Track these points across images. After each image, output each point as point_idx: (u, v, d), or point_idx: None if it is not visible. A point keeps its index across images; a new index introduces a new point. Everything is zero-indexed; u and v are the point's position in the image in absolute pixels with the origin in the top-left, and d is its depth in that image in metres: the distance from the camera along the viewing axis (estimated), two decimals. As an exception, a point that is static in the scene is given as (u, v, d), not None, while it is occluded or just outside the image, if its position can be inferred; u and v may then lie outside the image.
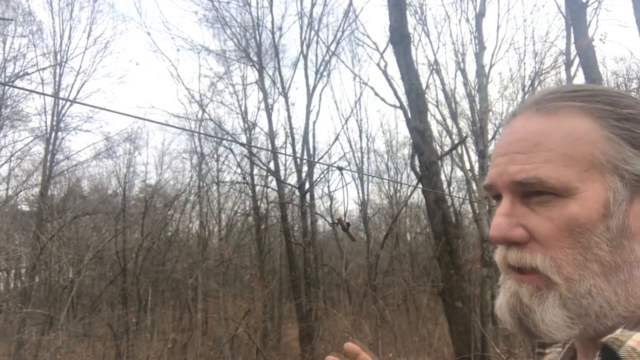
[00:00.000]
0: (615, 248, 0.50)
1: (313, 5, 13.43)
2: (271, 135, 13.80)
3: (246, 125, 15.29)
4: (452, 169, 15.14)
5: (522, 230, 0.53)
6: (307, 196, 13.43)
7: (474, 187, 12.94)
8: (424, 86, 9.64)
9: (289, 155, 14.23)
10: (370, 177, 17.38)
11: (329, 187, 17.15)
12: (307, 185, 13.41)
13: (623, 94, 0.55)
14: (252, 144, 15.14)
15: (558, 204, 0.51)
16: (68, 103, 14.00)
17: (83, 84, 14.32)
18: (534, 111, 0.55)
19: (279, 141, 14.53)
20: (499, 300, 0.56)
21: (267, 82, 14.14)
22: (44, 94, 13.55)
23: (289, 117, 13.67)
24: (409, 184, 14.57)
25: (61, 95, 13.90)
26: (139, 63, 22.08)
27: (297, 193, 13.40)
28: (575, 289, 0.50)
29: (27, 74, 13.10)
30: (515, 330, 0.54)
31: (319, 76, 13.67)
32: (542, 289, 0.52)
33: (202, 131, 15.21)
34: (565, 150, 0.52)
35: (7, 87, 12.88)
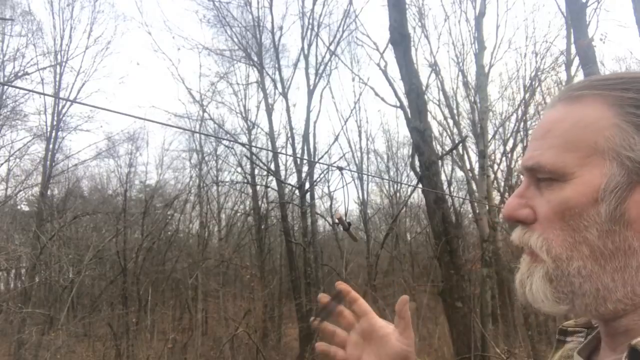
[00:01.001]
0: (605, 233, 0.51)
1: (314, 5, 13.44)
2: (271, 135, 13.81)
3: (247, 125, 15.31)
4: (452, 169, 15.14)
5: (528, 211, 0.57)
6: (307, 196, 13.43)
7: (474, 187, 12.94)
8: (424, 86, 9.64)
9: (289, 155, 14.24)
10: (370, 177, 17.38)
11: (329, 187, 17.15)
12: (307, 185, 13.41)
13: None
14: (253, 144, 15.14)
15: (557, 187, 0.54)
16: (68, 103, 14.00)
17: (83, 84, 14.34)
18: (560, 100, 0.58)
19: (280, 141, 14.54)
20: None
21: (268, 82, 14.16)
22: (42, 94, 13.56)
23: (289, 117, 13.68)
24: (409, 184, 14.58)
25: (61, 94, 13.91)
26: (139, 63, 22.06)
27: (297, 193, 13.40)
28: (563, 267, 0.53)
29: (27, 73, 13.11)
30: (521, 299, 0.58)
31: (319, 76, 13.68)
32: (534, 264, 0.56)
33: (202, 131, 15.22)
34: (570, 136, 0.54)
35: (6, 89, 12.87)
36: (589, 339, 0.62)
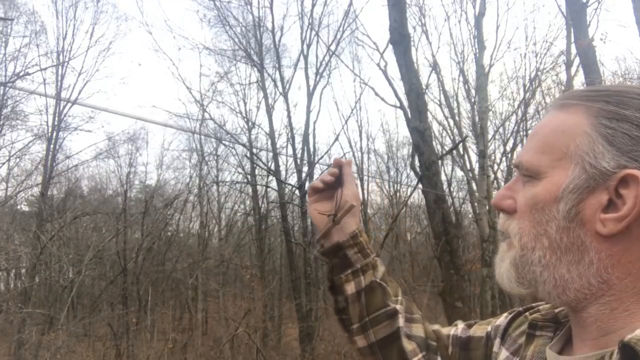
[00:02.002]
0: (561, 229, 0.57)
1: (313, 5, 13.43)
2: (272, 135, 13.80)
3: (247, 125, 15.30)
4: (452, 168, 15.14)
5: (511, 202, 0.63)
6: (307, 196, 13.41)
7: (474, 187, 12.94)
8: (424, 86, 9.64)
9: (289, 156, 14.23)
10: (370, 177, 17.38)
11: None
12: (307, 186, 13.39)
13: None
14: (253, 144, 15.14)
15: (532, 184, 0.60)
16: (69, 103, 14.00)
17: (85, 84, 14.35)
18: (553, 107, 0.64)
19: (280, 141, 14.53)
20: None
21: (268, 82, 14.15)
22: (41, 94, 13.54)
23: (290, 117, 13.67)
24: (409, 184, 14.57)
25: (63, 95, 13.92)
26: (141, 64, 22.01)
27: (297, 193, 13.39)
28: (527, 256, 0.59)
29: (28, 74, 13.09)
30: (496, 280, 0.65)
31: (319, 76, 13.67)
32: (507, 251, 0.63)
33: (202, 131, 15.22)
34: (548, 140, 0.60)
35: (7, 89, 12.87)
36: (560, 334, 0.66)
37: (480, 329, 0.86)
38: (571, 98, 0.61)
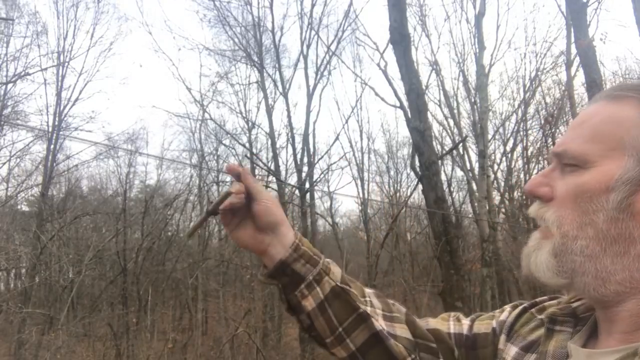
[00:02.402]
0: (610, 219, 0.56)
1: (313, 5, 13.43)
2: (272, 135, 13.80)
3: (247, 125, 15.30)
4: (452, 169, 15.14)
5: (547, 189, 0.62)
6: (307, 196, 13.42)
7: (474, 187, 12.94)
8: (424, 86, 9.64)
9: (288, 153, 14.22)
10: (370, 176, 17.39)
11: (328, 187, 17.16)
12: (307, 186, 13.41)
13: None
14: (253, 144, 15.15)
15: (578, 173, 0.59)
16: (70, 103, 14.03)
17: (86, 84, 14.35)
18: (603, 97, 0.63)
19: (280, 141, 14.54)
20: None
21: (268, 82, 14.15)
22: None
23: (290, 117, 13.67)
24: (409, 184, 14.56)
25: (63, 95, 13.94)
26: (142, 65, 21.90)
27: (297, 193, 13.40)
28: (568, 244, 0.58)
29: (28, 73, 13.11)
30: (524, 270, 0.64)
31: (319, 76, 13.67)
32: (544, 239, 0.62)
33: (202, 131, 15.23)
34: (599, 129, 0.59)
35: (7, 87, 12.89)
36: (583, 329, 0.65)
37: (484, 325, 0.82)
38: (623, 90, 0.61)
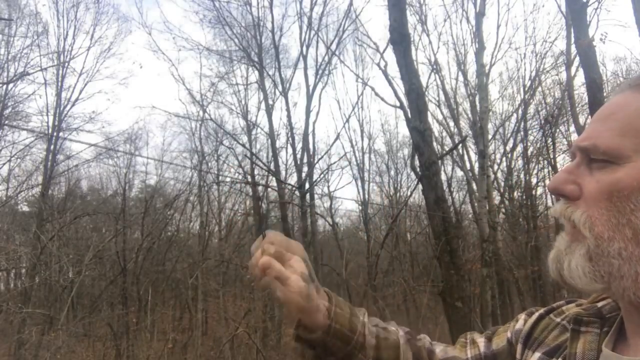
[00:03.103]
0: None
1: (313, 6, 13.42)
2: (272, 135, 13.80)
3: (247, 125, 15.30)
4: (452, 168, 15.14)
5: (574, 187, 0.58)
6: (307, 196, 13.42)
7: (474, 187, 12.93)
8: (424, 86, 9.63)
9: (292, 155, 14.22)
10: (370, 176, 17.38)
11: (328, 187, 17.16)
12: (307, 186, 13.41)
13: None
14: (253, 144, 15.15)
15: (609, 169, 0.54)
16: (70, 103, 14.04)
17: (85, 85, 14.37)
18: (630, 87, 0.58)
19: (280, 141, 14.54)
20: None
21: (268, 83, 14.15)
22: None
23: (290, 117, 13.67)
24: (409, 184, 14.56)
25: (63, 95, 13.95)
26: (142, 66, 21.90)
27: (297, 193, 13.39)
28: (604, 246, 0.54)
29: (29, 73, 13.11)
30: (553, 275, 0.59)
31: (319, 76, 13.66)
32: (575, 242, 0.57)
33: (202, 131, 15.23)
34: (631, 122, 0.54)
35: (8, 88, 12.89)
36: (610, 330, 0.62)
37: (501, 339, 0.80)
38: None
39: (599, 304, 0.65)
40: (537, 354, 0.68)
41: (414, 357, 0.82)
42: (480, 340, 0.83)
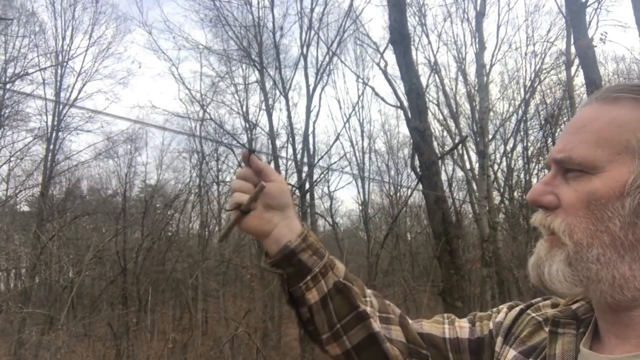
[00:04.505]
0: (627, 225, 0.55)
1: (313, 6, 13.42)
2: (272, 135, 13.80)
3: (247, 125, 15.30)
4: (452, 169, 15.14)
5: (552, 197, 0.61)
6: (307, 196, 13.43)
7: (474, 187, 12.93)
8: (424, 86, 9.63)
9: (289, 159, 14.24)
10: (371, 177, 17.38)
11: (328, 187, 17.16)
12: (307, 186, 13.41)
13: None
14: (253, 144, 15.13)
15: (585, 179, 0.58)
16: (69, 102, 14.02)
17: (84, 85, 14.36)
18: (597, 99, 0.61)
19: (280, 141, 14.54)
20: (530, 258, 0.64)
21: (268, 83, 14.14)
22: (37, 97, 13.54)
23: (290, 117, 13.67)
24: (409, 185, 14.55)
25: (62, 95, 13.94)
26: (141, 65, 21.97)
27: (297, 193, 13.39)
28: (583, 252, 0.57)
29: (27, 74, 13.11)
30: (534, 281, 0.62)
31: (319, 76, 13.66)
32: (555, 248, 0.60)
33: (203, 131, 15.21)
34: (603, 133, 0.57)
35: (8, 87, 12.88)
36: (587, 331, 0.64)
37: (484, 326, 0.81)
38: (619, 91, 0.60)
39: (574, 306, 0.68)
40: (513, 352, 0.71)
41: (379, 304, 0.84)
42: (464, 325, 0.83)
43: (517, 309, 0.78)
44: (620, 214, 0.55)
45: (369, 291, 0.85)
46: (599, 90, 0.64)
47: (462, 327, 0.83)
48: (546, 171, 0.65)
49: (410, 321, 0.86)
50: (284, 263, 0.79)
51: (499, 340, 0.76)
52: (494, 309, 0.83)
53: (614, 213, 0.55)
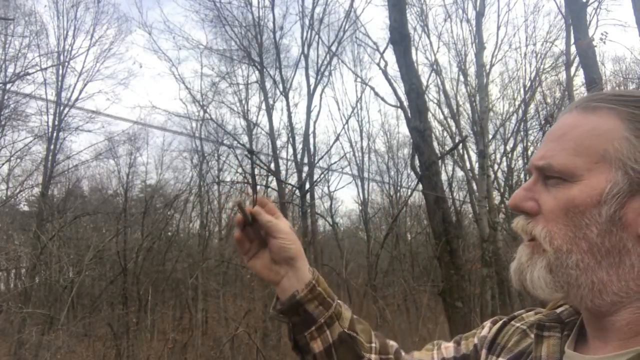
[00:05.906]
0: (604, 232, 0.56)
1: (314, 6, 13.42)
2: (272, 135, 13.79)
3: (247, 125, 15.30)
4: (452, 169, 15.14)
5: (533, 204, 0.62)
6: (308, 196, 13.42)
7: (475, 187, 12.93)
8: (424, 86, 9.63)
9: (289, 159, 14.24)
10: (370, 176, 17.38)
11: (329, 187, 17.15)
12: (307, 186, 13.41)
13: None
14: (253, 144, 15.14)
15: (565, 186, 0.59)
16: (70, 103, 14.02)
17: (85, 85, 14.37)
18: (577, 107, 0.63)
19: (280, 141, 14.53)
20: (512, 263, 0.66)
21: (269, 83, 14.14)
22: (37, 98, 13.56)
23: (290, 117, 13.67)
24: (409, 186, 14.55)
25: (63, 95, 13.95)
26: (142, 66, 21.89)
27: (298, 193, 13.39)
28: (562, 259, 0.59)
29: (28, 73, 13.11)
30: (516, 286, 0.64)
31: (319, 76, 13.66)
32: (536, 255, 0.61)
33: (203, 131, 15.22)
34: (583, 142, 0.59)
35: (7, 87, 12.88)
36: (571, 333, 0.67)
37: (469, 343, 0.84)
38: (598, 101, 0.61)
39: (558, 310, 0.70)
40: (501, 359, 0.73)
41: (380, 345, 0.89)
42: (449, 345, 0.87)
43: (500, 322, 0.81)
44: (598, 221, 0.56)
45: (373, 335, 0.90)
46: (580, 99, 0.65)
47: (447, 348, 0.87)
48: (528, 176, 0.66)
49: (403, 354, 0.91)
50: (290, 312, 0.84)
51: (484, 352, 0.78)
52: (479, 327, 0.86)
53: (591, 220, 0.57)
